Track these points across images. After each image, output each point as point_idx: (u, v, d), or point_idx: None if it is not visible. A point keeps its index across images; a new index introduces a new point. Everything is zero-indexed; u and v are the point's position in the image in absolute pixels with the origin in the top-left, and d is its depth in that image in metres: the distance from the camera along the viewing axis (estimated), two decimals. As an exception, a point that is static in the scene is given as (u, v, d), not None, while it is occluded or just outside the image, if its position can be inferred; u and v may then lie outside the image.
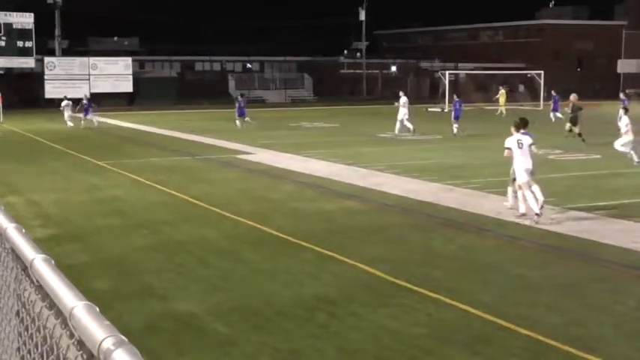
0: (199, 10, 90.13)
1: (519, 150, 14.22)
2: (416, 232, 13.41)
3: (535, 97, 60.70)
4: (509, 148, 14.41)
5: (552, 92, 45.50)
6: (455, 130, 33.51)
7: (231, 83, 70.71)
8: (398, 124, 34.46)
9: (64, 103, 41.98)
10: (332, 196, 17.34)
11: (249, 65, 76.99)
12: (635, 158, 22.70)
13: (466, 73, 72.41)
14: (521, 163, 14.17)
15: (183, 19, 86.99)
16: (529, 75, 64.37)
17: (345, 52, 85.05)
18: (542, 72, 60.11)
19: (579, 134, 29.27)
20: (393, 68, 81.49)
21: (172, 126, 40.04)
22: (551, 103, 43.49)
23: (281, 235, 13.01)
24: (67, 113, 41.12)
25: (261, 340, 7.90)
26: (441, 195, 17.15)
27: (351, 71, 78.49)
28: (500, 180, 19.26)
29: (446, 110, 51.56)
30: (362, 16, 76.01)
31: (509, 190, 15.02)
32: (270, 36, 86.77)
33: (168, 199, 16.95)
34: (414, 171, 21.08)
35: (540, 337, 7.94)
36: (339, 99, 67.15)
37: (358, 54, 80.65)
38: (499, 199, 16.44)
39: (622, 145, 23.25)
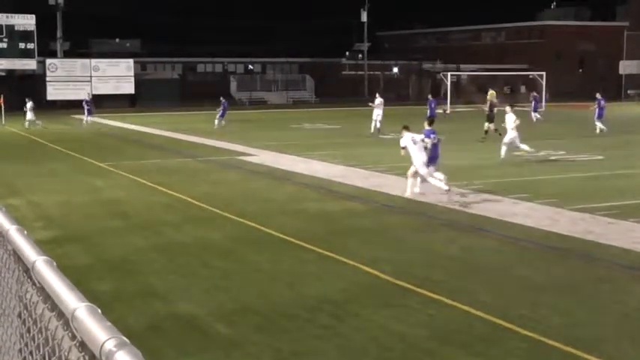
0: (201, 11, 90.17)
1: (415, 146, 16.30)
2: (417, 233, 13.41)
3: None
4: (404, 148, 16.55)
5: (533, 92, 45.89)
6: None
7: (233, 85, 70.68)
8: (373, 124, 34.75)
9: (29, 105, 41.53)
10: (333, 198, 17.35)
11: (250, 67, 76.97)
12: (502, 154, 23.44)
13: (468, 75, 72.34)
14: (419, 158, 16.34)
15: (185, 21, 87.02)
16: (531, 76, 64.30)
17: (347, 53, 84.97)
18: (543, 73, 60.06)
19: (495, 130, 30.50)
20: (395, 69, 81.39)
21: (174, 127, 40.05)
22: (532, 103, 44.04)
23: (283, 236, 13.02)
24: (29, 114, 40.85)
25: (263, 340, 7.91)
26: (442, 196, 17.13)
27: (353, 72, 78.38)
28: (501, 181, 19.29)
29: (448, 112, 51.53)
30: (364, 17, 75.94)
31: (410, 181, 16.87)
32: (271, 37, 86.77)
33: (169, 201, 16.96)
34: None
35: (542, 338, 7.94)
36: (340, 100, 67.11)
37: (360, 55, 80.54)
38: (501, 200, 16.47)
39: (516, 139, 23.67)
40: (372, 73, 76.44)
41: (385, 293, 9.69)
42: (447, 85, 58.68)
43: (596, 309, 9.07)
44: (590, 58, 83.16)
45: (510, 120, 23.84)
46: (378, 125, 34.55)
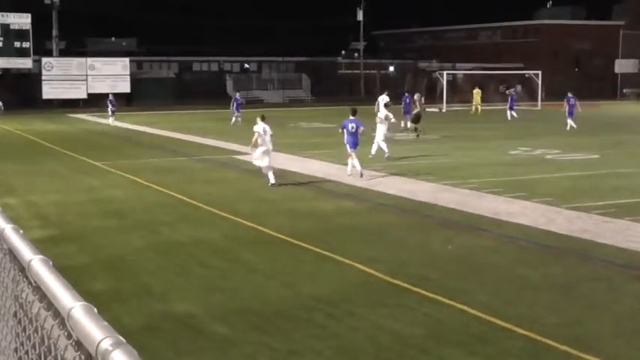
0: (197, 10, 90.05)
1: (264, 135, 18.41)
2: (413, 233, 13.41)
3: (533, 97, 60.76)
4: (257, 132, 18.43)
5: (511, 90, 46.28)
6: (403, 125, 34.54)
7: (229, 84, 70.65)
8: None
9: None
10: (330, 197, 17.35)
11: (246, 65, 76.93)
12: (386, 150, 23.84)
13: (464, 73, 72.39)
14: (264, 146, 18.42)
15: (181, 20, 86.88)
16: (527, 75, 64.39)
17: (343, 52, 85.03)
18: (539, 72, 60.15)
19: (415, 129, 31.72)
20: (391, 68, 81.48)
21: (170, 126, 40.00)
22: (509, 100, 44.39)
23: (279, 235, 13.01)
24: None
25: (260, 340, 7.91)
26: (438, 195, 17.15)
27: (349, 71, 78.45)
28: (498, 180, 19.30)
29: (444, 110, 51.56)
30: (360, 17, 75.99)
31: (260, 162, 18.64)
32: (267, 36, 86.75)
33: (166, 200, 16.94)
34: (411, 171, 21.09)
35: (538, 337, 7.94)
36: (336, 99, 67.13)
37: (356, 54, 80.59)
38: (497, 199, 16.49)
39: (382, 141, 24.02)
40: (368, 72, 76.52)
41: (381, 292, 9.69)
42: (442, 84, 58.70)
43: (592, 308, 9.08)
44: (586, 57, 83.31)
45: (382, 116, 24.37)
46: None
